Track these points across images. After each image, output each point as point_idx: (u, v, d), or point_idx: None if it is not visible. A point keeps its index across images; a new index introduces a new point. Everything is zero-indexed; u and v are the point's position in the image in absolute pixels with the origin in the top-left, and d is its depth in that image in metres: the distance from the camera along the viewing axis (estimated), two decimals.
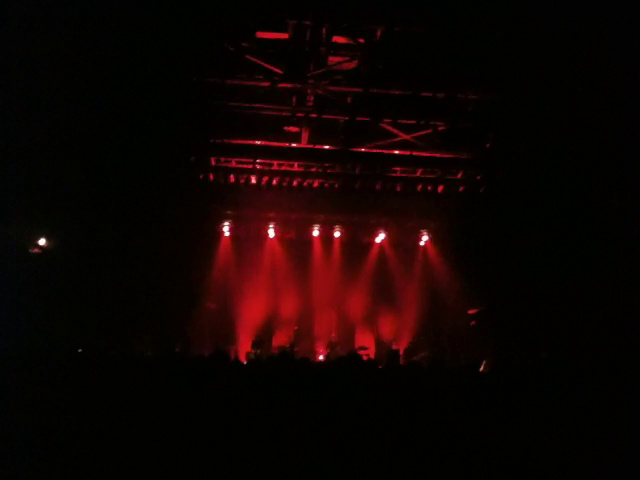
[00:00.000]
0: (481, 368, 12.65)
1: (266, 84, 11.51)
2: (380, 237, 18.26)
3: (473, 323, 15.66)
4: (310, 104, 12.26)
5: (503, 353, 12.67)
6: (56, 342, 9.61)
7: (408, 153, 13.76)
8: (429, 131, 12.93)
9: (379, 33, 10.28)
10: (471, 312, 15.69)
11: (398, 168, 14.56)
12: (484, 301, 15.12)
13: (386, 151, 13.78)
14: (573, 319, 10.98)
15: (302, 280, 17.66)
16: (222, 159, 14.40)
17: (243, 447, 4.49)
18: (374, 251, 18.40)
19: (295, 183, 14.70)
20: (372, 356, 16.56)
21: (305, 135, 13.30)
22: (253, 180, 14.69)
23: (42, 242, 12.46)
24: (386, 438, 4.65)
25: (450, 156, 13.90)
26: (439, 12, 9.61)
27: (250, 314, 17.20)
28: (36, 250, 12.33)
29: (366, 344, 17.20)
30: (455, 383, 5.77)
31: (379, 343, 17.68)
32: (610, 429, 4.63)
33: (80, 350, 10.04)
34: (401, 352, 16.31)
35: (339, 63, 11.15)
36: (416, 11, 9.68)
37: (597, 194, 11.29)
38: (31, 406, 4.88)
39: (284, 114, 12.58)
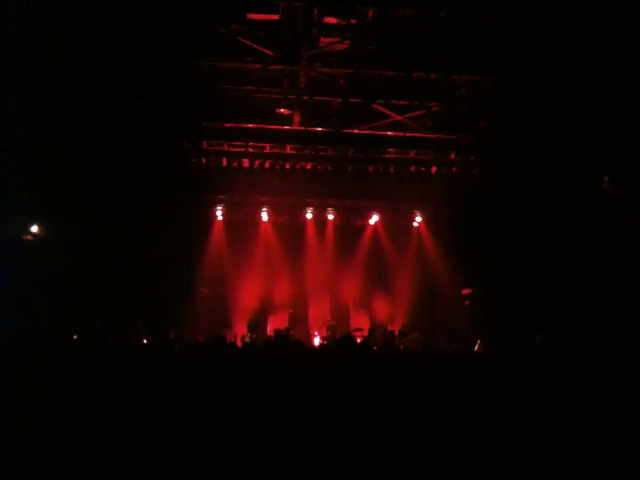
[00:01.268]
0: (475, 348, 12.76)
1: (258, 66, 11.42)
2: (373, 219, 18.26)
3: (467, 303, 15.71)
4: (302, 86, 12.18)
5: (496, 334, 12.75)
6: (50, 330, 9.59)
7: (401, 134, 13.69)
8: (422, 112, 12.87)
9: (371, 14, 10.20)
10: (465, 293, 15.73)
11: (391, 150, 14.51)
12: (477, 282, 15.17)
13: (379, 133, 13.71)
14: (566, 301, 11.04)
15: (296, 263, 17.64)
16: (214, 143, 14.30)
17: (241, 431, 4.49)
18: (368, 233, 18.41)
19: (288, 166, 14.61)
20: (367, 338, 16.59)
21: (297, 117, 13.22)
22: (245, 164, 14.60)
23: (34, 229, 12.38)
24: (382, 422, 4.66)
25: (443, 137, 13.84)
26: None
27: (245, 298, 17.20)
28: (29, 237, 12.26)
29: (361, 326, 17.24)
30: (450, 368, 5.79)
31: (374, 325, 17.73)
32: (602, 413, 4.66)
33: (75, 337, 10.03)
34: (396, 333, 16.40)
35: (331, 44, 11.07)
36: None
37: (589, 177, 11.31)
38: (27, 393, 4.86)
39: (276, 96, 12.49)
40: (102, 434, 4.45)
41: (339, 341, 8.20)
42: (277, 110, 12.66)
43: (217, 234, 17.61)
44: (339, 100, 12.43)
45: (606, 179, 11.23)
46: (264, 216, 17.73)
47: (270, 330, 16.91)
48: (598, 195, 11.27)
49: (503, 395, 5.06)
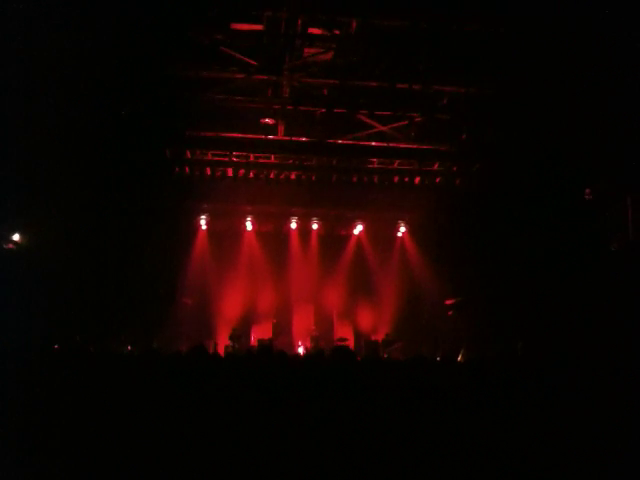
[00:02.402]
0: (459, 358, 12.79)
1: (241, 76, 11.45)
2: (358, 229, 18.33)
3: (450, 313, 15.77)
4: (286, 96, 12.21)
5: (480, 343, 12.80)
6: (31, 339, 9.48)
7: (385, 145, 13.77)
8: (405, 123, 12.96)
9: (354, 25, 10.26)
10: (448, 302, 15.80)
11: (375, 160, 14.58)
12: (461, 292, 15.24)
13: (363, 143, 13.78)
14: (549, 309, 11.12)
15: (280, 273, 17.66)
16: (198, 152, 14.29)
17: (222, 441, 4.47)
18: (352, 243, 18.46)
19: (272, 175, 14.64)
20: (351, 348, 16.61)
21: (281, 127, 13.25)
22: (229, 173, 14.60)
23: (16, 238, 12.27)
24: (366, 431, 4.66)
25: (426, 148, 13.93)
26: (415, 4, 9.62)
27: (228, 308, 17.17)
28: (10, 246, 12.14)
29: (345, 336, 17.25)
30: (435, 376, 5.80)
31: (358, 335, 17.75)
32: (586, 417, 4.69)
33: (56, 346, 9.91)
34: (379, 343, 16.42)
35: (315, 55, 11.11)
36: (392, 3, 9.68)
37: (572, 187, 11.43)
38: (6, 404, 4.81)
39: (260, 106, 12.53)
40: (81, 446, 4.41)
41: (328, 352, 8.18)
42: (261, 120, 12.68)
43: (201, 243, 17.58)
44: (323, 110, 12.47)
45: (588, 190, 11.34)
46: (248, 225, 17.74)
47: (254, 340, 16.86)
48: (580, 205, 11.37)
49: (490, 402, 5.08)
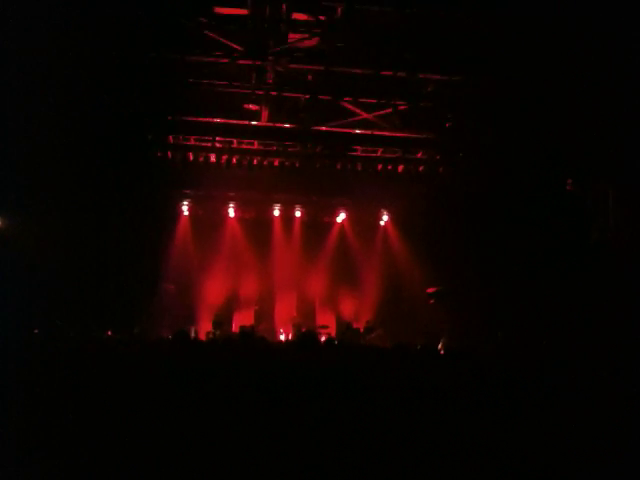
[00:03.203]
0: (439, 346, 12.86)
1: (225, 61, 11.35)
2: (341, 217, 18.33)
3: (432, 302, 15.84)
4: (270, 82, 12.14)
5: (461, 332, 12.89)
6: (10, 325, 9.39)
7: (369, 132, 13.74)
8: (389, 110, 12.94)
9: (340, 10, 10.19)
10: (429, 291, 15.86)
11: (359, 147, 14.55)
12: (443, 280, 15.30)
13: (347, 130, 13.74)
14: (529, 299, 11.21)
15: (262, 260, 17.63)
16: (180, 137, 14.15)
17: (203, 428, 4.46)
18: (335, 231, 18.47)
19: (255, 162, 14.53)
20: (333, 335, 16.67)
21: (265, 113, 13.16)
22: (212, 159, 14.49)
23: None
24: (346, 420, 4.66)
25: (410, 136, 13.92)
26: None
27: (210, 294, 17.13)
28: None
29: (327, 323, 17.30)
30: (415, 364, 5.82)
31: (340, 322, 17.80)
32: (568, 409, 4.73)
33: (36, 331, 9.83)
34: (361, 330, 16.48)
35: (299, 40, 11.04)
36: None
37: (554, 177, 11.49)
38: None
39: (244, 91, 12.43)
40: (62, 433, 4.37)
41: (301, 337, 8.21)
42: (245, 105, 12.59)
43: (183, 229, 17.48)
44: (307, 96, 12.41)
45: (570, 180, 11.42)
46: (231, 212, 17.66)
47: (235, 327, 16.85)
48: (562, 195, 11.45)
49: (472, 391, 5.10)
